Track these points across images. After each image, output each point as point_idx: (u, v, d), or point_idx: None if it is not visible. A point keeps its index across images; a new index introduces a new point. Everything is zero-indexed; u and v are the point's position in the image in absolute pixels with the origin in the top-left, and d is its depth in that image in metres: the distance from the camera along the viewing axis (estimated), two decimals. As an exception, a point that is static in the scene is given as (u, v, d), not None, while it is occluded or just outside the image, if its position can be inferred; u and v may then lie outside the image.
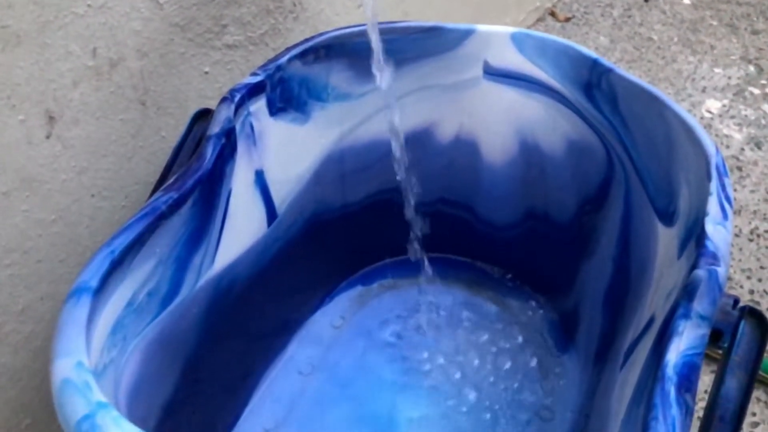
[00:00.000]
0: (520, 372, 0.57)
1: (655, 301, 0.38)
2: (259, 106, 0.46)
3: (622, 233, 0.51)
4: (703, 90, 0.97)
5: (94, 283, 0.33)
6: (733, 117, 0.93)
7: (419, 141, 0.58)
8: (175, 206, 0.39)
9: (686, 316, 0.31)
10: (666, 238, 0.42)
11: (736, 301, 0.34)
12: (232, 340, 0.50)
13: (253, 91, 0.45)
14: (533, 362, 0.57)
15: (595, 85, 0.50)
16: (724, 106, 0.94)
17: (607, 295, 0.51)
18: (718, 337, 0.33)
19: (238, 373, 0.53)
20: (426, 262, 0.63)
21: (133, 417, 0.36)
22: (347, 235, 0.62)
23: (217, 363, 0.48)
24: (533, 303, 0.62)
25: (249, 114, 0.45)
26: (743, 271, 0.71)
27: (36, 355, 0.45)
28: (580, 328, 0.56)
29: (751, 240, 0.74)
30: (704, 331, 0.31)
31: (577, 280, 0.57)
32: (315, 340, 0.59)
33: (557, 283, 0.60)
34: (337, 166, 0.57)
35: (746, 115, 0.93)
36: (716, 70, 1.01)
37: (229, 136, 0.43)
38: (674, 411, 0.28)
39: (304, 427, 0.52)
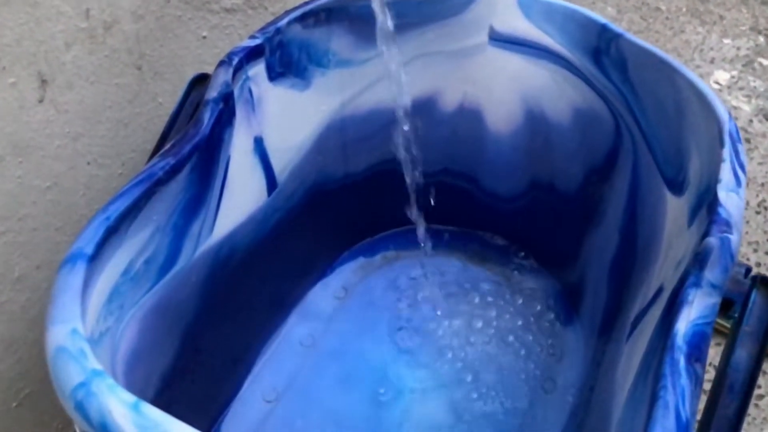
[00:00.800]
0: (523, 344, 0.56)
1: (663, 271, 0.37)
2: (257, 70, 0.45)
3: (629, 203, 0.50)
4: (712, 61, 0.95)
5: (89, 249, 0.33)
6: (741, 89, 0.91)
7: (422, 110, 0.57)
8: (172, 172, 0.38)
9: (697, 284, 0.30)
10: (675, 208, 0.41)
11: (748, 270, 0.33)
12: (232, 310, 0.49)
13: (251, 55, 0.44)
14: (536, 334, 0.57)
15: (603, 51, 0.49)
16: (732, 77, 0.93)
17: (613, 266, 0.50)
18: (728, 306, 0.33)
19: (239, 343, 0.52)
20: (429, 234, 0.62)
21: (131, 386, 0.35)
22: (349, 205, 0.61)
23: (217, 333, 0.48)
24: (537, 275, 0.61)
25: (247, 78, 0.44)
26: (750, 244, 0.70)
27: (33, 324, 0.44)
28: (584, 300, 0.55)
29: (758, 213, 0.73)
30: (715, 300, 0.30)
31: (582, 251, 0.56)
32: (317, 311, 0.59)
33: (562, 254, 0.59)
34: (339, 135, 0.56)
35: (755, 87, 0.91)
36: (725, 41, 0.99)
37: (227, 101, 0.41)
38: (684, 381, 0.28)
39: (306, 397, 0.52)
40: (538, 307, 0.59)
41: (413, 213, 0.60)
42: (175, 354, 0.42)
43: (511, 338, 0.57)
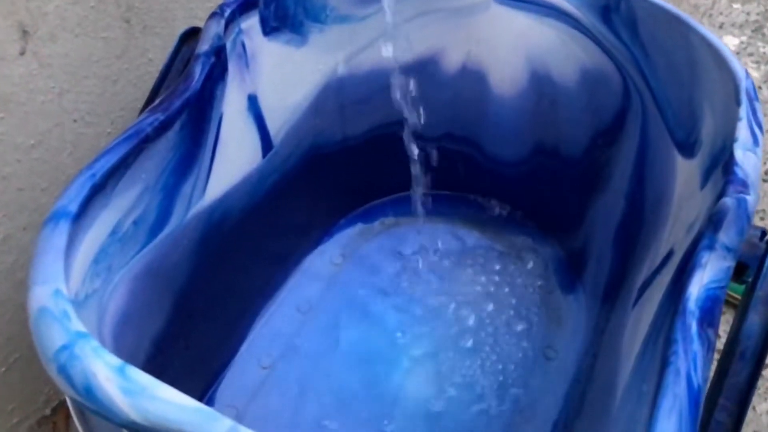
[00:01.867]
0: (525, 311, 0.55)
1: (673, 235, 0.36)
2: (251, 23, 0.43)
3: (636, 167, 0.48)
4: (721, 26, 0.93)
5: (73, 207, 0.31)
6: (751, 54, 0.88)
7: (424, 71, 0.55)
8: (161, 129, 0.36)
9: (710, 247, 0.29)
10: (685, 170, 0.40)
11: (764, 232, 0.32)
12: (227, 275, 0.48)
13: (244, 7, 0.41)
14: (538, 301, 0.55)
15: (613, 9, 0.47)
16: (741, 43, 0.90)
17: (618, 231, 0.49)
18: (742, 271, 0.31)
19: (234, 309, 0.51)
20: (429, 200, 0.61)
21: (120, 350, 0.34)
22: (347, 170, 0.59)
23: (211, 298, 0.47)
24: (539, 241, 0.60)
25: (240, 32, 0.42)
26: (756, 212, 0.68)
27: (20, 286, 0.43)
28: (588, 266, 0.54)
29: (765, 181, 0.72)
30: (729, 263, 0.29)
31: (586, 217, 0.55)
32: (314, 277, 0.57)
33: (565, 220, 0.58)
34: (337, 96, 0.54)
35: (765, 53, 0.89)
36: (735, 5, 0.96)
37: (219, 55, 0.39)
38: (696, 346, 0.26)
39: (302, 363, 0.51)
40: (540, 274, 0.58)
41: (413, 178, 0.58)
42: (167, 318, 0.41)
43: (511, 305, 0.56)
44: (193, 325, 0.45)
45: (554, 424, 0.46)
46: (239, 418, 0.48)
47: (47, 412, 0.50)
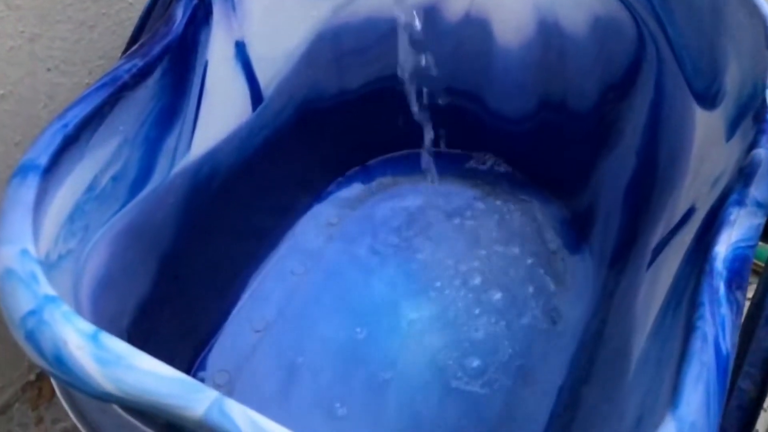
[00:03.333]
0: (528, 273, 0.53)
1: (694, 190, 0.34)
2: (238, -38, 0.39)
3: (650, 122, 0.45)
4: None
5: (42, 160, 0.28)
6: None
7: (424, 20, 0.51)
8: (139, 76, 0.33)
9: (740, 202, 0.27)
10: (706, 122, 0.37)
11: (796, 188, 0.29)
12: (217, 235, 0.45)
13: (230, -56, 0.38)
14: (542, 262, 0.53)
15: (629, -51, 0.43)
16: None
17: (629, 190, 0.47)
18: (772, 229, 0.29)
19: (225, 271, 0.49)
20: (430, 158, 0.58)
21: (100, 315, 0.32)
22: (344, 126, 0.57)
23: (201, 260, 0.44)
24: (544, 201, 0.58)
25: (226, -29, 0.39)
26: None
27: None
28: (595, 227, 0.52)
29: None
30: (760, 220, 0.27)
31: (594, 175, 0.52)
32: (309, 238, 0.55)
33: (571, 178, 0.55)
34: (332, 46, 0.51)
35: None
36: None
37: (202, -4, 0.36)
38: (724, 310, 0.24)
39: (297, 326, 0.49)
40: (545, 235, 0.55)
41: (413, 136, 0.56)
42: (153, 281, 0.39)
43: (514, 266, 0.54)
44: (181, 288, 0.42)
45: (560, 390, 0.45)
46: (232, 383, 0.47)
47: (32, 377, 0.48)
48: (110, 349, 0.22)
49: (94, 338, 0.23)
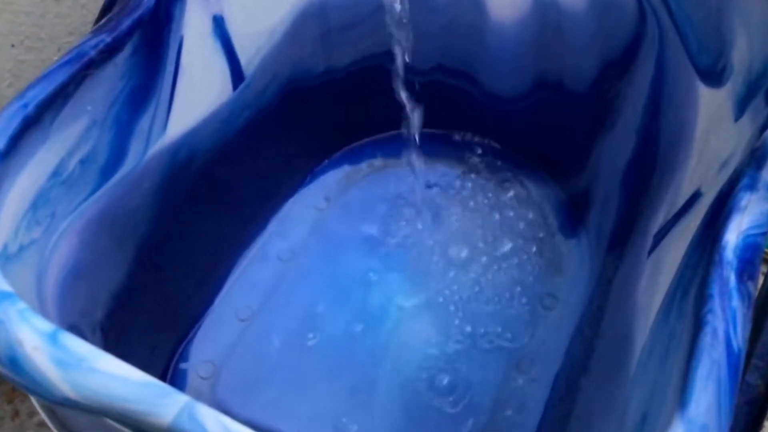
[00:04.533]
0: (522, 257, 0.51)
1: (699, 173, 0.32)
2: (214, -71, 0.37)
3: (650, 101, 0.43)
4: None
5: (0, 144, 0.26)
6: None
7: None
8: (107, 53, 0.31)
9: (752, 187, 0.25)
10: (711, 101, 0.35)
11: (810, 170, 0.27)
12: (198, 221, 0.43)
13: None
14: (536, 247, 0.52)
15: None
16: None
17: (628, 172, 0.45)
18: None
19: (207, 258, 0.47)
20: (421, 139, 0.56)
21: (69, 309, 0.30)
22: (331, 106, 0.54)
23: (181, 247, 0.42)
24: (539, 183, 0.56)
25: (201, -61, 0.36)
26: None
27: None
28: (591, 210, 0.50)
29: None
30: (773, 206, 0.25)
31: (591, 156, 0.50)
32: (296, 222, 0.53)
33: (567, 160, 0.53)
34: (318, 21, 0.49)
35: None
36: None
37: (175, -34, 0.34)
38: (735, 302, 0.22)
39: (284, 315, 0.47)
40: (539, 218, 0.54)
41: (403, 116, 0.53)
42: (129, 270, 0.37)
43: (507, 250, 0.52)
44: (160, 277, 0.41)
45: (555, 378, 0.43)
46: (216, 374, 0.45)
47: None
48: (70, 350, 0.21)
49: (52, 338, 0.21)
